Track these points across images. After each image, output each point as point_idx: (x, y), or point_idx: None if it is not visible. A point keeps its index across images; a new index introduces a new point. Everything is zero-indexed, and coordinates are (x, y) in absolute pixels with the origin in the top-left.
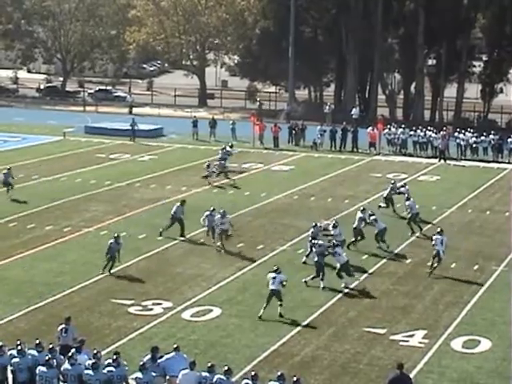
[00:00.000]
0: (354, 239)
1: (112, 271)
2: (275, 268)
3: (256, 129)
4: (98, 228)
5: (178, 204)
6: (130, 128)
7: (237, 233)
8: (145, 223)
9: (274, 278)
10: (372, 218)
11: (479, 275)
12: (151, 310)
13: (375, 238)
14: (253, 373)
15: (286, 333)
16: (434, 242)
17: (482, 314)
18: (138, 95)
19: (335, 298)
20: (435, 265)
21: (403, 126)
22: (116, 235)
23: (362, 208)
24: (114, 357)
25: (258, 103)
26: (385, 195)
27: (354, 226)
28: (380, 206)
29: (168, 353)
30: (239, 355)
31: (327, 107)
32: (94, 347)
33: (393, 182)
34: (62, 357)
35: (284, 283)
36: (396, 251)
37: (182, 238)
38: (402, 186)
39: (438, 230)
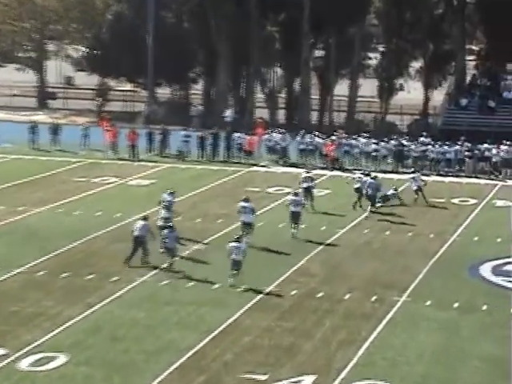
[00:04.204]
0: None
1: None
2: (236, 237)
3: (107, 136)
4: None
5: (142, 222)
6: None
7: (87, 262)
8: None
9: (238, 247)
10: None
11: (378, 307)
12: None
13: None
14: None
15: (148, 382)
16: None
17: (381, 352)
18: None
19: (208, 338)
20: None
21: (286, 130)
22: None
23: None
24: None
25: (98, 103)
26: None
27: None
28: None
29: None
30: None
31: (194, 109)
32: None
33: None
34: None
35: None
36: (279, 280)
37: (19, 270)
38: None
39: (366, 172)
